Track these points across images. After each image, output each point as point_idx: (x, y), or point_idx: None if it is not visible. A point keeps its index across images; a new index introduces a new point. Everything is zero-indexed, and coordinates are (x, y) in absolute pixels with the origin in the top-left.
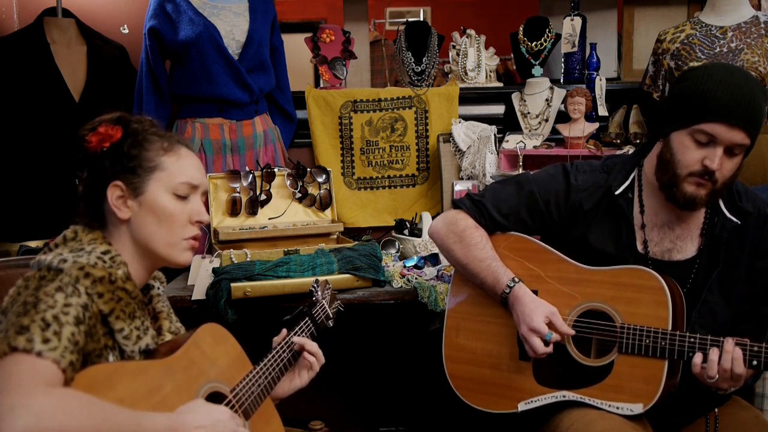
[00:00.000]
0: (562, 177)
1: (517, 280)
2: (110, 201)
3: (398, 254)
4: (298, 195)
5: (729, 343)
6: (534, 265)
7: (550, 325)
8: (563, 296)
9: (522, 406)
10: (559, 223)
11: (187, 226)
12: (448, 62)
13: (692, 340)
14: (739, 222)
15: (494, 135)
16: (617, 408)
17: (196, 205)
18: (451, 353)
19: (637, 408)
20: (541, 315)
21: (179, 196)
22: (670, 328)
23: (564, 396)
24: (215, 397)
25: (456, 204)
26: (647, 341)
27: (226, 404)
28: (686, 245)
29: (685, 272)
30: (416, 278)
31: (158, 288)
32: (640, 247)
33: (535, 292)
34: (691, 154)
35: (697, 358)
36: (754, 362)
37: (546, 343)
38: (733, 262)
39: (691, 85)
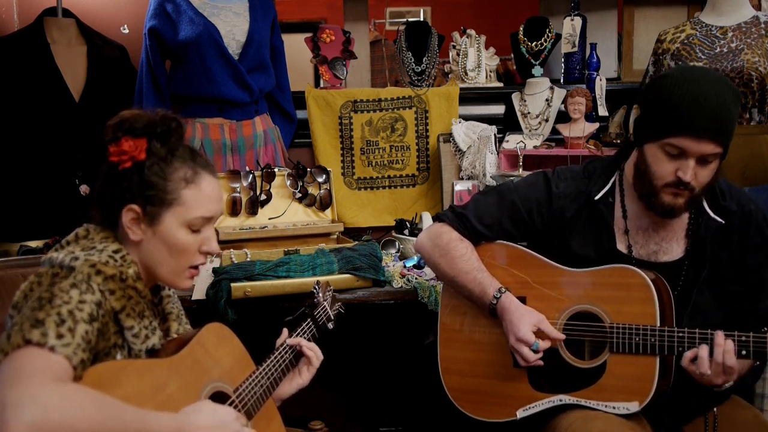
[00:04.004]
0: (543, 185)
1: (503, 289)
2: (124, 222)
3: (398, 254)
4: (298, 195)
5: (719, 336)
6: (520, 272)
7: (539, 333)
8: (551, 300)
9: (520, 413)
10: (543, 231)
11: (195, 255)
12: (448, 62)
13: (681, 334)
14: (723, 222)
15: (494, 135)
16: (613, 408)
17: (208, 234)
18: (447, 366)
19: (633, 406)
20: (527, 324)
21: (193, 230)
22: (658, 323)
23: (560, 400)
24: (218, 397)
25: (439, 217)
26: (637, 339)
27: (229, 404)
28: (672, 247)
29: (673, 274)
30: (416, 278)
31: (169, 289)
32: (624, 251)
33: (524, 299)
34: (664, 166)
35: (689, 353)
36: (743, 352)
37: (534, 351)
38: (721, 262)
39: (658, 97)
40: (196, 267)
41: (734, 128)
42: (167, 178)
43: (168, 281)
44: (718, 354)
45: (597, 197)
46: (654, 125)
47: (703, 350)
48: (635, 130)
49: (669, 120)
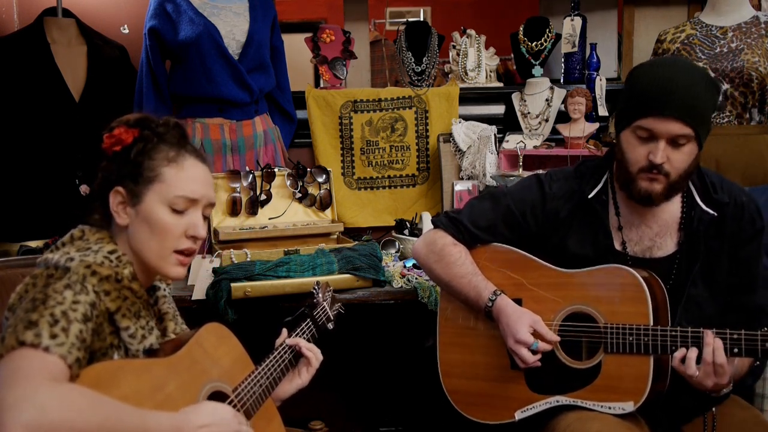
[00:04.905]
0: (536, 187)
1: (498, 292)
2: (111, 205)
3: (398, 254)
4: (298, 195)
5: (708, 335)
6: (516, 274)
7: (535, 334)
8: (547, 302)
9: (519, 415)
10: (538, 233)
11: (181, 239)
12: (448, 62)
13: (674, 333)
14: (715, 214)
15: (494, 135)
16: (609, 408)
17: (194, 218)
18: (447, 369)
19: (628, 406)
20: (524, 325)
21: (175, 210)
22: (651, 322)
23: (558, 401)
24: (217, 397)
25: (434, 223)
26: (630, 339)
27: (228, 404)
28: (666, 242)
29: (666, 268)
30: (416, 278)
31: (164, 289)
32: (619, 248)
33: (519, 301)
34: (636, 150)
35: (678, 354)
36: (735, 350)
37: (533, 352)
38: (715, 254)
39: (629, 85)
40: (183, 253)
41: (706, 113)
42: (151, 157)
43: (155, 267)
44: (707, 353)
45: (590, 196)
46: (625, 112)
47: (692, 352)
48: (614, 124)
49: (636, 103)
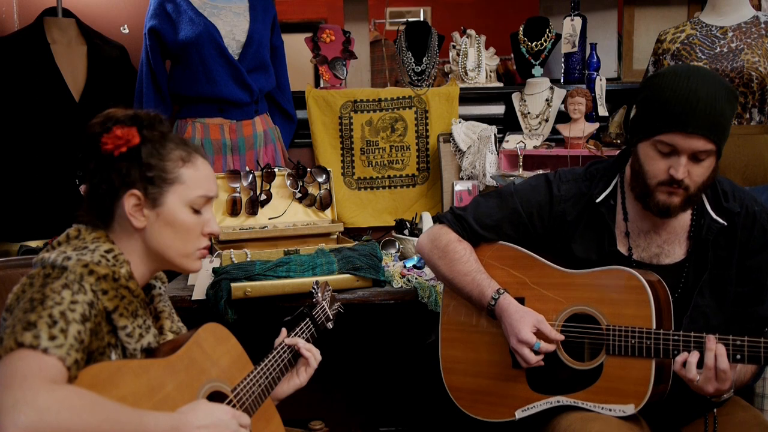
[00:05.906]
0: (544, 188)
1: (501, 291)
2: (126, 209)
3: (398, 254)
4: (298, 195)
5: (711, 340)
6: (519, 273)
7: (539, 333)
8: (549, 302)
9: (519, 414)
10: (543, 234)
11: (200, 238)
12: (448, 62)
13: (676, 337)
14: (725, 223)
15: (494, 135)
16: (610, 410)
17: (207, 216)
18: (448, 365)
19: (629, 409)
20: (527, 325)
21: (194, 210)
22: (654, 326)
23: (558, 401)
24: (216, 397)
25: (439, 218)
26: (633, 341)
27: (227, 404)
28: (674, 249)
29: (674, 277)
30: (416, 278)
31: (160, 288)
32: (625, 254)
33: (522, 300)
34: (656, 164)
35: (680, 357)
36: (738, 356)
37: (536, 352)
38: (723, 264)
39: (649, 95)
40: (203, 248)
41: (728, 126)
42: (165, 158)
43: (179, 265)
44: (709, 358)
45: (598, 200)
46: (646, 123)
47: (693, 356)
48: (630, 130)
49: (659, 117)
